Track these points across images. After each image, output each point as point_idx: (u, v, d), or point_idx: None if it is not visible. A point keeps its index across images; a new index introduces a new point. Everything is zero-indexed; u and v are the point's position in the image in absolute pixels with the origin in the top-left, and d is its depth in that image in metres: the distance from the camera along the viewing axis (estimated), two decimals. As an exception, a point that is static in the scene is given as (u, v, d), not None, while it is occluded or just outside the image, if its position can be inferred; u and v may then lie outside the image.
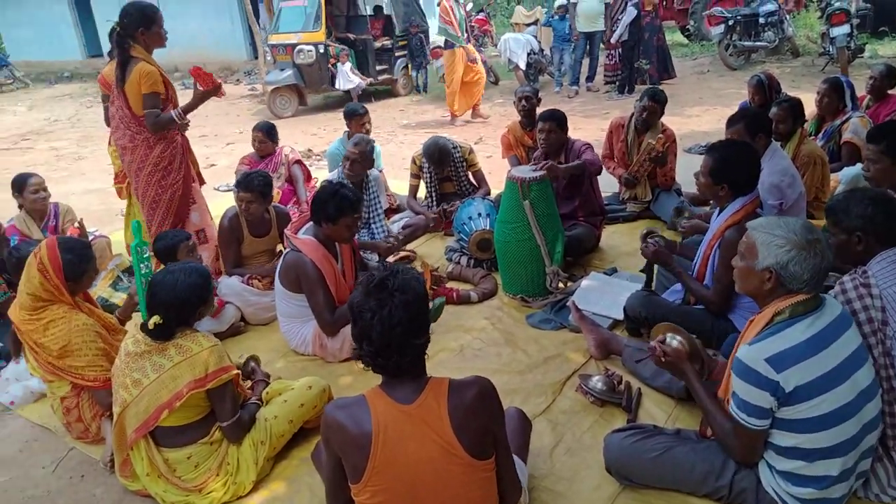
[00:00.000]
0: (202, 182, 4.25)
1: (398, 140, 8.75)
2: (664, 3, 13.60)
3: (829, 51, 9.97)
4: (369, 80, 11.35)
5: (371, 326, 1.66)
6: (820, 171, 4.17)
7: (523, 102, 4.85)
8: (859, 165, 4.20)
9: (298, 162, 5.42)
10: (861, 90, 5.33)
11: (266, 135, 5.27)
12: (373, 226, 4.51)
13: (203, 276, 2.46)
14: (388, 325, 1.64)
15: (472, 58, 9.15)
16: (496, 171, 5.99)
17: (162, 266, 3.57)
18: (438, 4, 9.21)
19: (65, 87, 16.98)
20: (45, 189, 4.23)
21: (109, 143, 4.68)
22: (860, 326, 2.09)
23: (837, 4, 9.80)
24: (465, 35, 9.14)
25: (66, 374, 2.65)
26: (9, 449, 2.88)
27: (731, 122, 3.63)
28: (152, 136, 3.75)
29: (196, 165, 4.16)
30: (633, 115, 4.79)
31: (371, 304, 1.66)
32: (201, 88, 3.74)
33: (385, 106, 11.20)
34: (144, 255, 2.93)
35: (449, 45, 9.10)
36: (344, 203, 3.18)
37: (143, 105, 3.64)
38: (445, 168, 4.91)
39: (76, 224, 4.32)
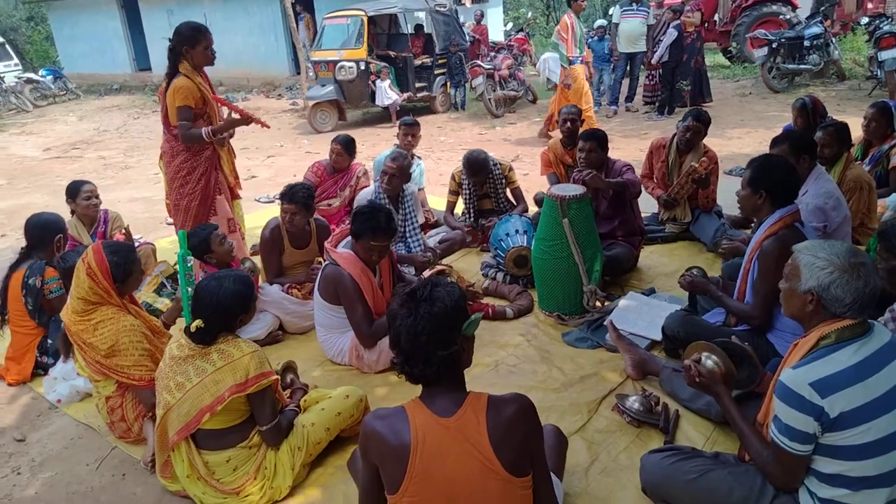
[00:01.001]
0: (235, 196, 4.32)
1: (435, 156, 8.83)
2: (706, 24, 13.51)
3: (876, 75, 9.77)
4: (407, 94, 11.48)
5: (399, 334, 1.72)
6: (867, 196, 4.09)
7: (567, 124, 4.86)
8: (908, 191, 4.12)
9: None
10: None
11: (344, 148, 5.12)
12: (409, 240, 4.55)
13: (247, 285, 2.51)
14: (413, 334, 1.70)
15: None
16: (533, 188, 5.99)
17: (197, 262, 3.69)
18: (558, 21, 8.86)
19: (114, 98, 17.58)
20: (96, 196, 4.38)
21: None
22: (910, 354, 2.04)
23: (887, 28, 9.62)
24: (582, 55, 8.57)
25: (113, 372, 2.73)
26: (55, 445, 2.98)
27: (776, 142, 3.61)
28: (177, 146, 3.94)
29: (228, 180, 4.23)
30: (674, 135, 4.76)
31: (402, 312, 1.73)
32: (235, 116, 3.96)
33: (423, 122, 11.16)
34: (188, 264, 3.03)
35: (572, 61, 8.54)
36: (365, 224, 3.20)
37: (177, 117, 3.82)
38: (482, 180, 4.93)
39: (123, 230, 4.47)
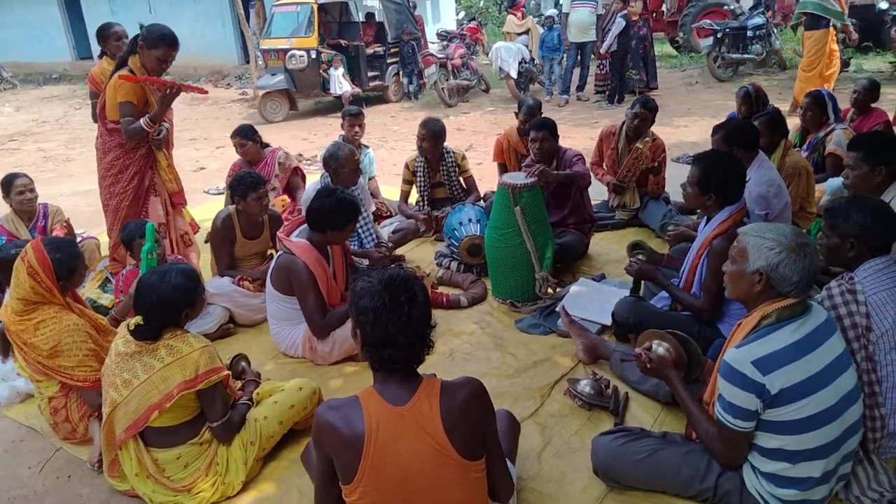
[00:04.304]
0: (175, 203, 4.02)
1: (389, 146, 8.78)
2: (654, 14, 13.74)
3: (815, 64, 10.10)
4: (356, 90, 11.34)
5: (395, 328, 1.68)
6: (805, 181, 4.22)
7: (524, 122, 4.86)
8: (843, 176, 4.28)
9: (297, 170, 5.16)
10: (845, 103, 5.42)
11: (243, 137, 4.90)
12: (361, 232, 4.51)
13: (190, 279, 2.42)
14: (419, 321, 1.72)
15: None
16: (486, 178, 6.03)
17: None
18: None
19: (53, 88, 16.87)
20: (31, 190, 4.20)
21: None
22: (844, 332, 2.13)
23: (823, 19, 9.94)
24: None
25: (56, 373, 2.64)
26: (-6, 449, 2.87)
27: (715, 130, 3.75)
28: (109, 142, 3.79)
29: (167, 185, 3.94)
30: (623, 123, 4.85)
31: (383, 307, 1.68)
32: (159, 94, 3.70)
33: (376, 112, 11.22)
34: (152, 259, 2.94)
35: (823, 22, 7.69)
36: (352, 209, 3.27)
37: (120, 112, 3.66)
38: (441, 152, 4.92)
39: (63, 225, 4.32)
